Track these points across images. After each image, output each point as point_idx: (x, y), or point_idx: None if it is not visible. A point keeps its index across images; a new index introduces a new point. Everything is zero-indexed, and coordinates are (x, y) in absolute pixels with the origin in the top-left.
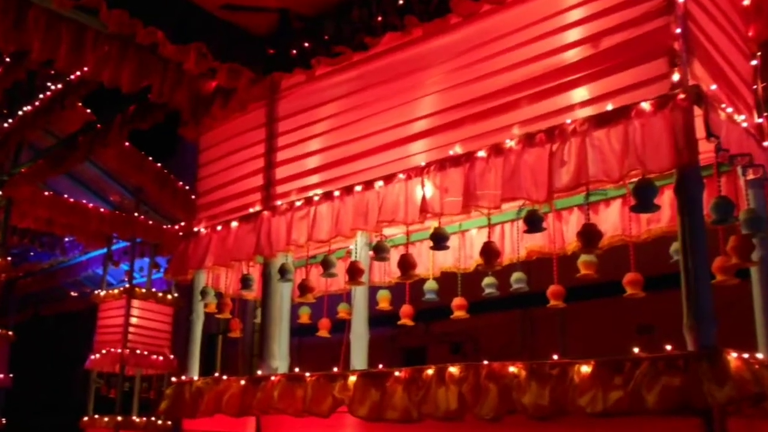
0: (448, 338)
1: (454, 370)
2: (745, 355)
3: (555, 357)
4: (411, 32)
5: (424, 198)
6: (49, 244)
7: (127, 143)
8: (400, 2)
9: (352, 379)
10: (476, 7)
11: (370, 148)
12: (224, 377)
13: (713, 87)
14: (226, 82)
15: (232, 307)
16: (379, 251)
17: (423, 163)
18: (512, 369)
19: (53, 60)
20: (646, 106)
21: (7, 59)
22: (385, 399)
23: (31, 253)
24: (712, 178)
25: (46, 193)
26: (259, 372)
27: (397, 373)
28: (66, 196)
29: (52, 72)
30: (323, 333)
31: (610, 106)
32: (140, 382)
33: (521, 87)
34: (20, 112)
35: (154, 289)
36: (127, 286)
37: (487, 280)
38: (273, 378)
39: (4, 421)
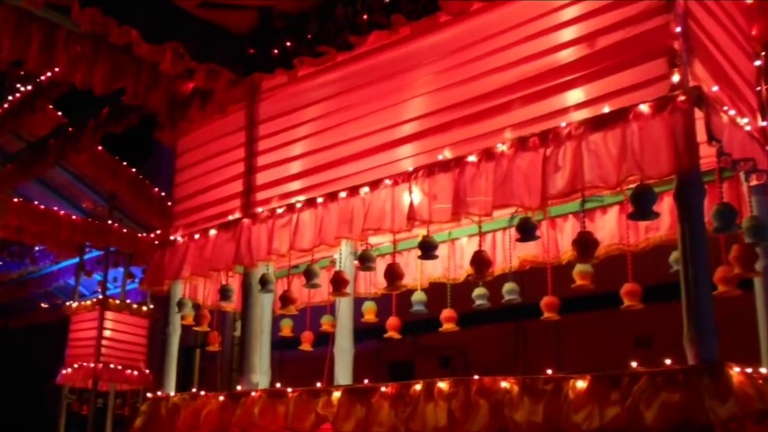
0: (437, 352)
1: (443, 385)
2: (749, 370)
3: (549, 371)
4: (398, 31)
5: (411, 205)
6: (18, 253)
7: (100, 147)
8: (387, 0)
9: (337, 394)
10: (466, 5)
11: (355, 153)
12: (202, 393)
13: (715, 88)
14: (204, 84)
15: (211, 320)
16: (365, 261)
17: (411, 168)
18: (504, 384)
19: (23, 60)
20: (644, 108)
21: None
22: (371, 415)
23: (0, 263)
24: (714, 184)
25: (15, 200)
26: (239, 387)
27: (383, 389)
28: (36, 202)
29: (22, 73)
30: (306, 346)
31: (606, 109)
32: (114, 398)
33: (514, 88)
34: None
35: (128, 301)
36: (101, 297)
37: (478, 291)
38: (253, 394)
39: None
